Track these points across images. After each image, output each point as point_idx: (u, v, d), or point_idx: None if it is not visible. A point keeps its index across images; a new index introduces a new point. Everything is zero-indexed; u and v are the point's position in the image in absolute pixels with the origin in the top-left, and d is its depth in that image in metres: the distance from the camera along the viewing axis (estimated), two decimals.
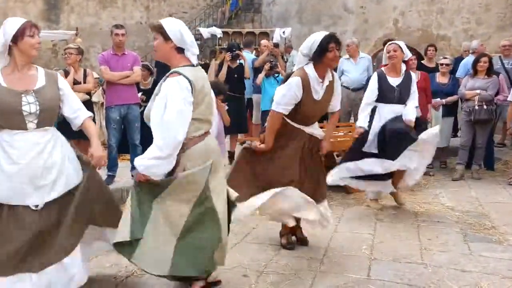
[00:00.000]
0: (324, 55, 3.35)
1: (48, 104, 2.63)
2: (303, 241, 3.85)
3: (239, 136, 6.71)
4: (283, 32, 10.88)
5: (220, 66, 6.38)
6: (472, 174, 6.20)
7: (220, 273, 3.22)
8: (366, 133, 4.53)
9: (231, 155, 6.30)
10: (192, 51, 2.76)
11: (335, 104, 3.68)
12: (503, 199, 5.30)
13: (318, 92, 3.45)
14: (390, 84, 4.56)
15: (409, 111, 4.56)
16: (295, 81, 3.39)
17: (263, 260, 3.53)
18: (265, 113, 6.70)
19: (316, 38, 3.39)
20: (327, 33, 3.45)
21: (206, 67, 6.35)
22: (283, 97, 3.42)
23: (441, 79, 6.48)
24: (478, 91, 5.98)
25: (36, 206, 2.57)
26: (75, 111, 2.80)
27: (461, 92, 6.17)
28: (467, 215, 4.66)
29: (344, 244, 3.87)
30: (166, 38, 2.70)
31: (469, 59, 6.92)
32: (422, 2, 10.53)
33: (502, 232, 4.18)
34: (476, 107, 5.93)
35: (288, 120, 3.50)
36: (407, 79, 4.62)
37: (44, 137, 2.62)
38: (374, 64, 7.38)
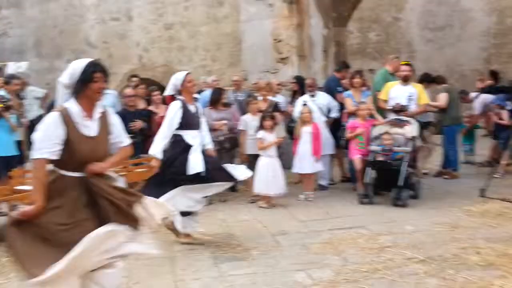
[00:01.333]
0: (88, 86, 2.88)
1: None
2: None
3: None
4: (19, 67, 9.85)
5: None
6: (220, 198, 6.73)
7: None
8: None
9: None
10: None
11: (119, 139, 3.12)
12: (245, 217, 5.89)
13: (88, 127, 2.93)
14: (191, 112, 4.78)
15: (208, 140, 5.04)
16: (51, 118, 2.86)
17: None
18: None
19: (78, 65, 2.92)
20: (91, 59, 2.99)
21: None
22: (42, 139, 2.82)
23: None
24: (225, 122, 6.61)
25: None
26: None
27: (209, 123, 6.67)
28: (217, 238, 4.99)
29: None
30: None
31: (206, 93, 7.57)
32: (163, 40, 11.08)
33: (246, 248, 4.61)
34: (227, 136, 6.59)
35: (62, 171, 2.88)
36: (199, 107, 5.00)
37: None
38: (121, 99, 7.32)
